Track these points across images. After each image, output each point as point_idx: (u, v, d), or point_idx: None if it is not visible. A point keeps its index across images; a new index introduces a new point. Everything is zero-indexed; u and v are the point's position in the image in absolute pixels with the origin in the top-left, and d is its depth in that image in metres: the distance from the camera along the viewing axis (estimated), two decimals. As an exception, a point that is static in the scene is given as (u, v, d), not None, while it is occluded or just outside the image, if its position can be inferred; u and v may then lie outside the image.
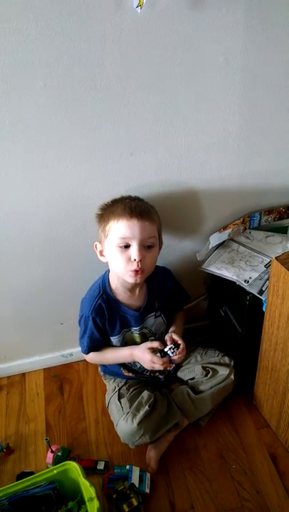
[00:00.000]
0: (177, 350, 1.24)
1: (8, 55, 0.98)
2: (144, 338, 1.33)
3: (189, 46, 1.07)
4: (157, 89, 1.11)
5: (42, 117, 1.08)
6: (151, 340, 1.33)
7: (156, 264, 1.24)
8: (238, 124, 1.23)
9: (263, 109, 1.22)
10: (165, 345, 1.25)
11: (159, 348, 1.24)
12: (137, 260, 1.12)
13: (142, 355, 1.25)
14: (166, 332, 1.34)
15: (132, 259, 1.12)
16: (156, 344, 1.24)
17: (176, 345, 1.25)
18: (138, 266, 1.13)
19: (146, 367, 1.28)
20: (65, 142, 1.14)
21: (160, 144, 1.21)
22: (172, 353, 1.24)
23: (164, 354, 1.24)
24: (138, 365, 1.36)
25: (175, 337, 1.27)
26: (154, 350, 1.24)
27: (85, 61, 1.03)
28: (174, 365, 1.41)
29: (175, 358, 1.24)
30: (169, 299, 1.36)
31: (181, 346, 1.25)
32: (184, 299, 1.43)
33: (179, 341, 1.26)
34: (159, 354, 1.23)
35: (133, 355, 1.29)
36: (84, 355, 1.36)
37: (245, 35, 1.08)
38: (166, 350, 1.24)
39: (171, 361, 1.26)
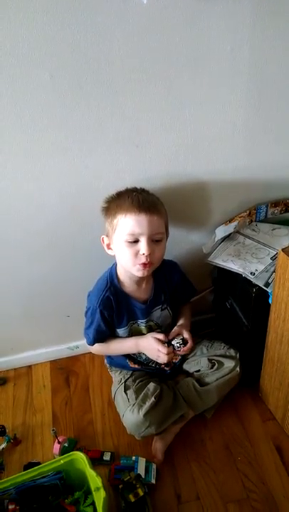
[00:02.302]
0: (184, 347, 1.25)
1: (14, 47, 0.98)
2: (151, 331, 1.33)
3: (195, 36, 1.06)
4: (163, 80, 1.10)
5: (48, 110, 1.08)
6: (158, 332, 1.33)
7: (164, 257, 1.24)
8: (245, 115, 1.22)
9: (270, 100, 1.21)
10: (169, 341, 1.26)
11: (165, 340, 1.25)
12: (146, 254, 1.12)
13: (148, 344, 1.26)
14: (173, 324, 1.35)
15: (141, 253, 1.12)
16: (161, 336, 1.25)
17: (184, 342, 1.26)
18: (147, 260, 1.13)
19: (150, 357, 1.29)
20: (71, 134, 1.13)
21: (166, 136, 1.20)
22: (178, 347, 1.25)
23: (170, 345, 1.25)
24: (144, 357, 1.37)
25: (186, 335, 1.27)
26: (160, 341, 1.25)
27: (90, 52, 1.02)
28: (179, 357, 1.42)
29: (179, 352, 1.26)
30: (175, 292, 1.36)
31: (188, 345, 1.26)
32: (190, 293, 1.43)
33: (189, 340, 1.27)
34: (166, 344, 1.25)
35: (138, 345, 1.29)
36: (89, 346, 1.37)
37: (252, 25, 1.07)
38: (173, 342, 1.25)
39: (174, 354, 1.28)
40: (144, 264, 1.14)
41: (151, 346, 1.25)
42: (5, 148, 1.12)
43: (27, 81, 1.03)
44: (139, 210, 1.10)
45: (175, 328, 1.31)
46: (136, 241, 1.12)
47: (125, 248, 1.13)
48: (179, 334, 1.28)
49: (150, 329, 1.33)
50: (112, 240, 1.17)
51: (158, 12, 1.00)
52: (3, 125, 1.08)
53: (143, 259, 1.13)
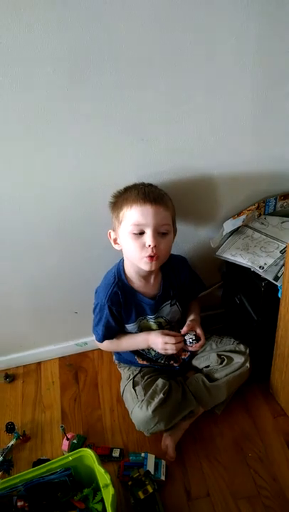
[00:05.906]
0: (196, 343, 1.25)
1: (16, 41, 0.96)
2: (161, 327, 1.33)
3: (200, 27, 1.03)
4: (168, 71, 1.08)
5: (51, 104, 1.07)
6: (167, 329, 1.33)
7: (171, 252, 1.22)
8: (252, 106, 1.20)
9: (277, 91, 1.18)
10: (183, 335, 1.26)
11: (177, 335, 1.25)
12: (151, 246, 1.10)
13: (156, 337, 1.26)
14: (182, 320, 1.34)
15: (147, 245, 1.11)
16: (172, 334, 1.25)
17: (197, 338, 1.25)
18: (153, 252, 1.11)
19: (158, 350, 1.27)
20: (76, 129, 1.12)
21: (172, 129, 1.18)
22: (190, 343, 1.24)
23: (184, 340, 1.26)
24: (152, 353, 1.36)
25: (199, 331, 1.27)
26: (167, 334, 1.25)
27: (93, 45, 1.00)
28: (188, 353, 1.40)
29: (191, 348, 1.26)
30: (184, 288, 1.35)
31: (200, 342, 1.26)
32: (199, 288, 1.42)
33: (202, 337, 1.26)
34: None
35: (148, 340, 1.29)
36: (98, 343, 1.36)
37: (257, 15, 1.04)
38: (186, 337, 1.25)
39: (184, 349, 1.27)
40: (151, 257, 1.12)
41: (158, 339, 1.24)
42: (10, 143, 1.11)
43: (29, 76, 1.01)
44: (144, 201, 1.09)
45: (188, 322, 1.29)
46: (141, 233, 1.11)
47: (131, 241, 1.12)
48: (192, 330, 1.27)
49: (160, 325, 1.32)
50: (119, 234, 1.16)
51: (161, 3, 0.99)
52: (7, 120, 1.07)
53: (149, 252, 1.11)
